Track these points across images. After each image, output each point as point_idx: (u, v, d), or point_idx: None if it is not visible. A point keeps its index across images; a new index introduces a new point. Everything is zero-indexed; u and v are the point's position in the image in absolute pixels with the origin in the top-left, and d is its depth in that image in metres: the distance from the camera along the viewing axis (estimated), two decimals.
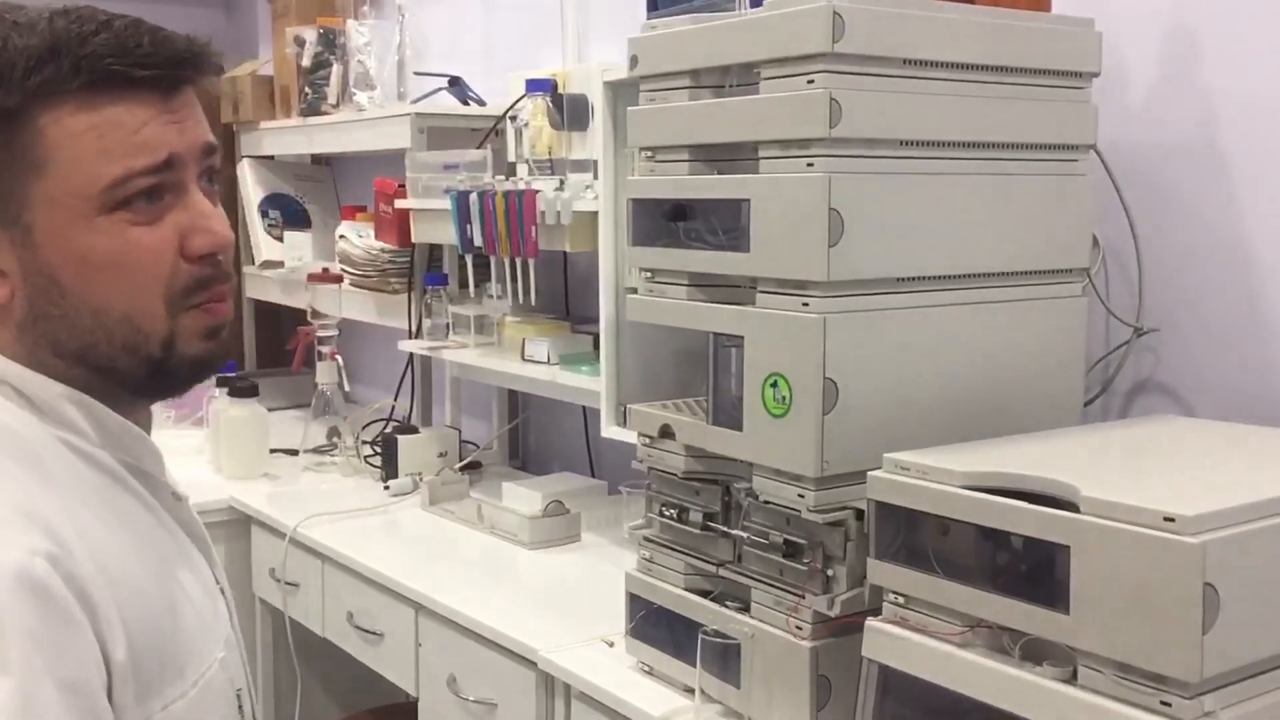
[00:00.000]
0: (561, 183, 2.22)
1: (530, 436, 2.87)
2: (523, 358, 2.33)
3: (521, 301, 2.32)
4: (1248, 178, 1.54)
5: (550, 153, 2.33)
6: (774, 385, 1.33)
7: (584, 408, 2.45)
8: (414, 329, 2.67)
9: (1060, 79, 1.44)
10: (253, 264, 3.39)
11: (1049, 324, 1.46)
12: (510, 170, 2.38)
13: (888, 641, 1.18)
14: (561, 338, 2.35)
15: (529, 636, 1.70)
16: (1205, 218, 1.58)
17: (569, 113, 2.26)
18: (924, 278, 1.35)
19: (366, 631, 2.09)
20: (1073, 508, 1.03)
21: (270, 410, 2.99)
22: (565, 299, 2.62)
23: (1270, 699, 0.99)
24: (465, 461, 2.59)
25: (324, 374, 2.72)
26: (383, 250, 2.72)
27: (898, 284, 1.33)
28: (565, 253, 2.61)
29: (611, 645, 1.62)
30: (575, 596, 1.89)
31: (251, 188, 3.37)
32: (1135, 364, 1.65)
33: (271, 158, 3.45)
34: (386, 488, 2.50)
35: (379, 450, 2.61)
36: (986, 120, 1.38)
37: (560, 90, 2.29)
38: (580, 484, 2.43)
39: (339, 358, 2.72)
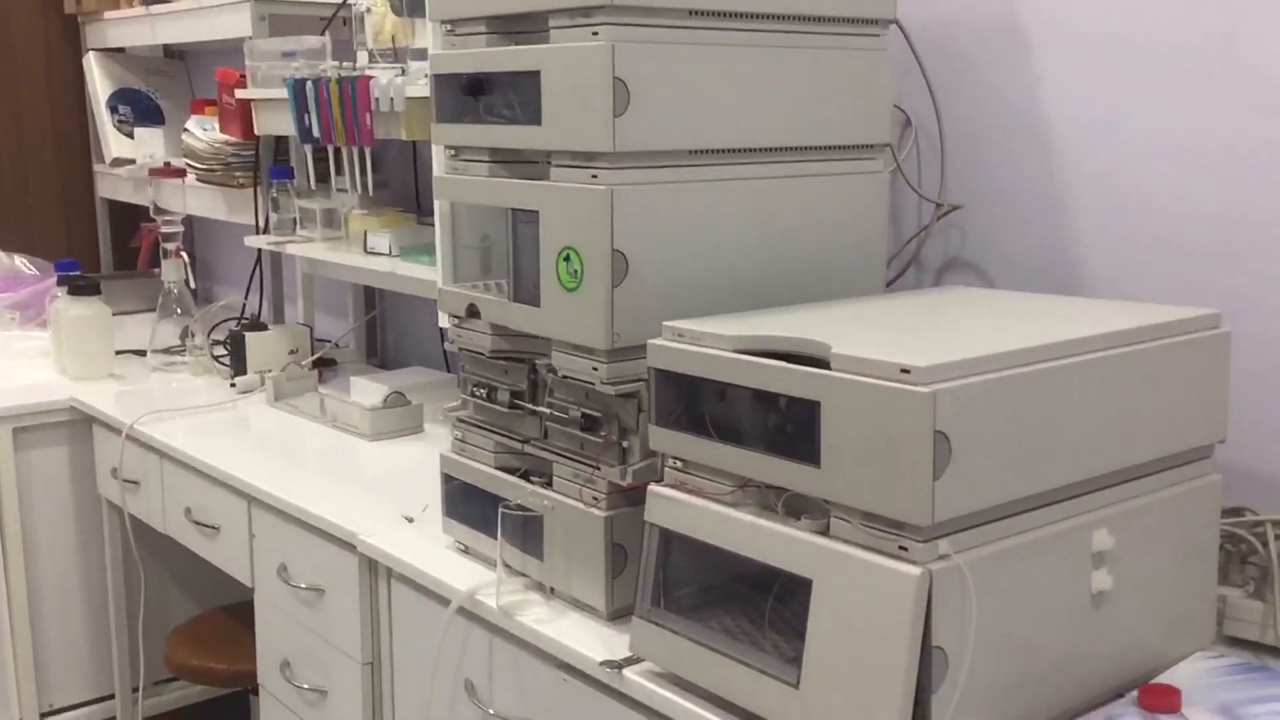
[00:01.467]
0: (403, 70, 2.18)
1: (387, 334, 2.85)
2: (365, 250, 2.31)
3: (360, 192, 2.29)
4: (1049, 57, 1.56)
5: (394, 41, 2.28)
6: (566, 259, 1.33)
7: (435, 301, 2.43)
8: (261, 224, 2.62)
9: None
10: (103, 162, 3.28)
11: (849, 200, 1.47)
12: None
13: (666, 505, 1.20)
14: (405, 229, 2.32)
15: (352, 522, 1.71)
16: (1007, 96, 1.60)
17: None
18: (716, 151, 1.35)
19: (203, 525, 2.07)
20: (826, 365, 1.05)
21: (125, 313, 2.93)
22: (415, 191, 2.59)
23: (1002, 545, 1.03)
24: (315, 358, 2.56)
25: (170, 272, 2.65)
26: (226, 143, 2.65)
27: (690, 157, 1.34)
28: (414, 144, 2.58)
29: (411, 521, 1.63)
30: (407, 484, 1.89)
31: (99, 82, 3.24)
32: (943, 241, 1.68)
33: (121, 51, 3.32)
34: (233, 385, 2.47)
35: (228, 349, 2.57)
36: None
37: None
38: (430, 378, 2.43)
39: (185, 255, 2.66)
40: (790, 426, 1.13)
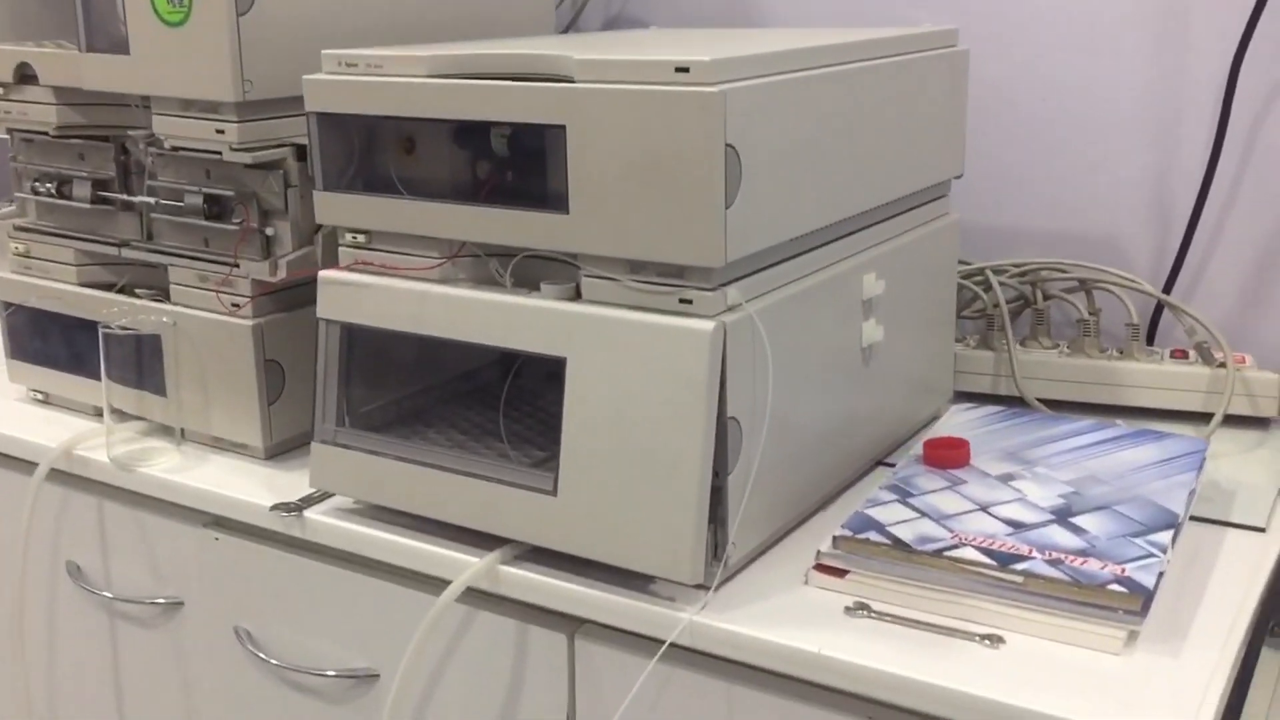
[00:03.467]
0: None
1: None
2: None
3: None
4: None
5: None
6: None
7: None
8: None
9: None
10: None
11: None
12: None
13: (347, 293, 0.92)
14: None
15: None
16: None
17: None
18: None
19: None
20: (568, 81, 0.81)
21: None
22: None
23: (785, 293, 0.85)
24: None
25: None
26: None
27: None
28: None
29: None
30: None
31: None
32: None
33: None
34: None
35: None
36: None
37: None
38: None
39: None
40: (515, 171, 0.88)
